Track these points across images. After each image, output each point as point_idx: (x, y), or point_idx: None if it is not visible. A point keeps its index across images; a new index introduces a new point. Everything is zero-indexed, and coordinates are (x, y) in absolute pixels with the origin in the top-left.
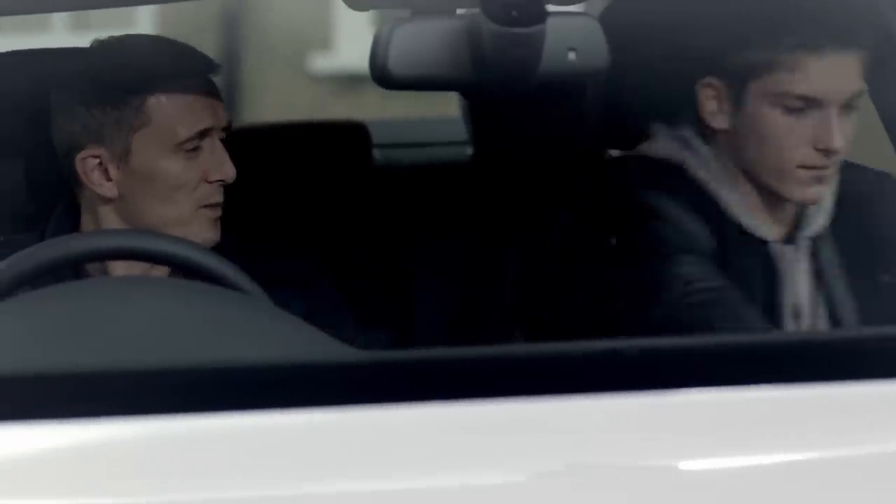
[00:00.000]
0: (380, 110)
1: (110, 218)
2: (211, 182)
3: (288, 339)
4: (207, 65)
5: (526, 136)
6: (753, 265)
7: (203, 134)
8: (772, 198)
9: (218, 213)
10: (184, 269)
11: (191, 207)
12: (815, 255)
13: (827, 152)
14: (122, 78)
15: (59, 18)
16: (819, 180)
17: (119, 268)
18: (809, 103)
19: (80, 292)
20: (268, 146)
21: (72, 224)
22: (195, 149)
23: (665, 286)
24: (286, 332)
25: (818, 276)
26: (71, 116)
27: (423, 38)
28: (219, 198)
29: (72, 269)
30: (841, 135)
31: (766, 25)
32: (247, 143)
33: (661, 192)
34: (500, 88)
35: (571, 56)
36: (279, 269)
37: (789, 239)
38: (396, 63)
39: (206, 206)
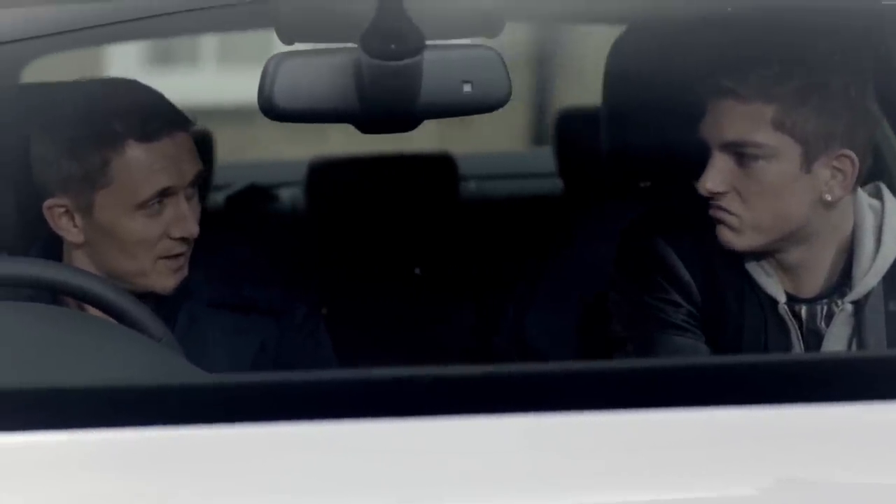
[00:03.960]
0: None
1: (80, 259)
2: (173, 238)
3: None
4: (180, 121)
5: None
6: (758, 323)
7: (165, 193)
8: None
9: (179, 262)
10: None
11: (150, 260)
12: (857, 315)
13: None
14: (92, 133)
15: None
16: None
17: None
18: None
19: None
20: (356, 177)
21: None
22: (159, 204)
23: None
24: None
25: (859, 335)
26: (45, 164)
27: (309, 72)
28: (181, 250)
29: (50, 294)
30: None
31: None
32: (338, 173)
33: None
34: (384, 121)
35: (467, 88)
36: (249, 298)
37: (815, 300)
38: (282, 96)
39: (166, 258)
